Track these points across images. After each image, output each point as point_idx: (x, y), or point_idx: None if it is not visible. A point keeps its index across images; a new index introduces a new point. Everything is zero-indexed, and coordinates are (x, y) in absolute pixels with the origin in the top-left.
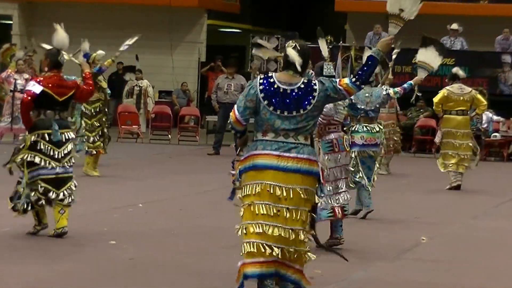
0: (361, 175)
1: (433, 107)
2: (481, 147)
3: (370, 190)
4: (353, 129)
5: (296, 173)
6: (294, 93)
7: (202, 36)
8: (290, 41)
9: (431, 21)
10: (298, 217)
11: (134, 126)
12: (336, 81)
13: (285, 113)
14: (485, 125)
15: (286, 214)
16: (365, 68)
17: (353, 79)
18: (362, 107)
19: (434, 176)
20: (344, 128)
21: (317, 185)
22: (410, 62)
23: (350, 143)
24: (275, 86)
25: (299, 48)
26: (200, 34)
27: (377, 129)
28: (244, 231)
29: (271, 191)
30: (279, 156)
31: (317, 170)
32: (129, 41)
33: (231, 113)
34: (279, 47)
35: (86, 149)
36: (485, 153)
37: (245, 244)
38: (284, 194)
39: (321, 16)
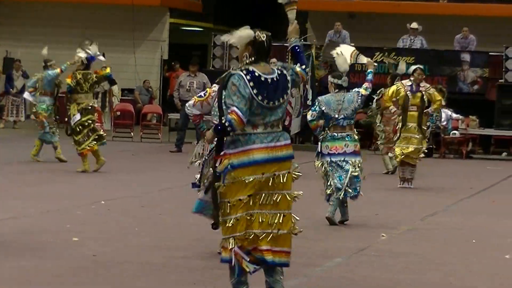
0: (330, 186)
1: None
2: (440, 145)
3: (335, 201)
4: (322, 138)
5: (286, 159)
6: (278, 81)
7: (165, 35)
8: (258, 31)
9: (391, 20)
10: (290, 200)
11: (97, 124)
12: (295, 68)
13: (275, 103)
14: (444, 123)
15: (278, 199)
16: (300, 56)
17: (303, 66)
18: (333, 115)
19: (394, 173)
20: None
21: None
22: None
23: (320, 151)
24: (262, 78)
25: (267, 37)
26: (162, 33)
27: (350, 138)
28: (231, 223)
29: (271, 181)
30: (274, 147)
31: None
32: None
33: (230, 116)
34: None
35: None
36: (444, 151)
37: (231, 239)
38: (281, 180)
39: (283, 14)
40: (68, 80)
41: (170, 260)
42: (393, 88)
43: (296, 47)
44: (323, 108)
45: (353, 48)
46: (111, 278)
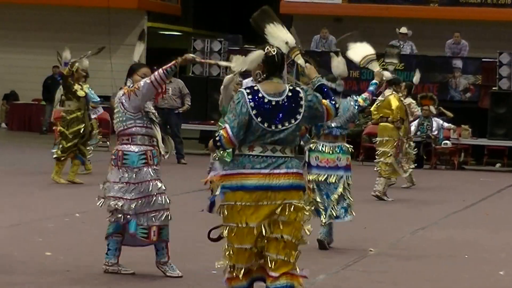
0: (315, 203)
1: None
2: (431, 155)
3: (325, 221)
4: (311, 147)
5: (289, 189)
6: (285, 104)
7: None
8: (269, 46)
9: (379, 24)
10: (294, 230)
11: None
12: (319, 96)
13: (280, 127)
14: (435, 133)
15: (280, 226)
16: (328, 93)
17: (333, 102)
18: (327, 123)
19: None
20: (303, 145)
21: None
22: (358, 66)
23: (306, 162)
24: (266, 100)
25: (278, 51)
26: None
27: (343, 149)
28: (230, 253)
29: (262, 212)
30: (269, 174)
31: (304, 183)
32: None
33: (221, 131)
34: (221, 50)
35: (55, 155)
36: (435, 162)
37: (229, 269)
38: (279, 210)
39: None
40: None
41: (148, 275)
42: (397, 98)
43: (324, 88)
44: None
45: (372, 52)
46: None
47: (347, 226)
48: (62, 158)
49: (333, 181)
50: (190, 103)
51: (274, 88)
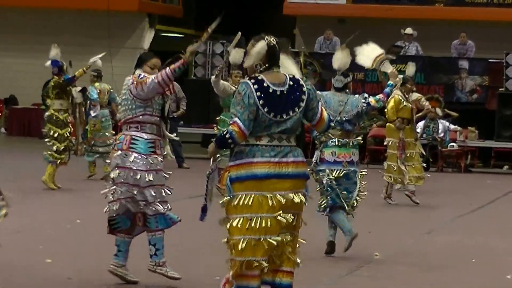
0: (334, 198)
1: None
2: (438, 158)
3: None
4: (327, 143)
5: (297, 178)
6: (289, 93)
7: (143, 42)
8: (267, 36)
9: (383, 25)
10: (300, 222)
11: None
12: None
13: (284, 116)
14: (441, 135)
15: (289, 220)
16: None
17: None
18: (336, 117)
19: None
20: (316, 142)
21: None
22: (363, 68)
23: (319, 160)
24: (270, 90)
25: (276, 40)
26: (141, 40)
27: (355, 144)
28: (238, 247)
29: (274, 202)
30: (279, 163)
31: (308, 172)
32: (100, 55)
33: (230, 128)
34: (224, 53)
35: (51, 158)
36: (442, 164)
37: (237, 261)
38: (289, 201)
39: (268, 20)
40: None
41: (150, 283)
42: (396, 98)
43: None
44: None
45: (382, 51)
46: None
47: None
48: (59, 161)
49: (352, 176)
50: (185, 108)
51: (277, 78)
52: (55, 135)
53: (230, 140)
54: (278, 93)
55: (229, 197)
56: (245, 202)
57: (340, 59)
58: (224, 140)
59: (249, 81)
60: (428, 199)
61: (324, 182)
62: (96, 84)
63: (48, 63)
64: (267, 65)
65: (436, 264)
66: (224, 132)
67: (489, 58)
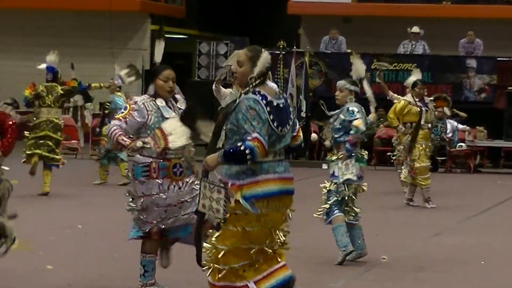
0: (357, 212)
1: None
2: (446, 158)
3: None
4: (356, 156)
5: (293, 194)
6: (285, 106)
7: (146, 43)
8: (261, 48)
9: (390, 24)
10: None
11: (73, 141)
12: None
13: (284, 130)
14: (449, 135)
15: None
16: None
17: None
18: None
19: (395, 189)
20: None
21: None
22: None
23: (354, 172)
24: (274, 104)
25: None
26: (143, 40)
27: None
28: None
29: (278, 217)
30: (286, 179)
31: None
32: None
33: (254, 144)
34: (228, 53)
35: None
36: (450, 165)
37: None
38: (289, 217)
39: (273, 19)
40: (26, 92)
41: None
42: (402, 104)
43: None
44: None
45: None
46: None
47: None
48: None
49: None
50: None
51: (271, 91)
52: (54, 140)
53: (250, 156)
54: (281, 105)
55: (241, 213)
56: (266, 219)
57: (358, 69)
58: (241, 156)
59: (256, 97)
60: (436, 201)
61: (346, 196)
62: (119, 93)
63: (43, 66)
64: (261, 78)
65: (444, 267)
66: (241, 147)
67: (497, 57)
